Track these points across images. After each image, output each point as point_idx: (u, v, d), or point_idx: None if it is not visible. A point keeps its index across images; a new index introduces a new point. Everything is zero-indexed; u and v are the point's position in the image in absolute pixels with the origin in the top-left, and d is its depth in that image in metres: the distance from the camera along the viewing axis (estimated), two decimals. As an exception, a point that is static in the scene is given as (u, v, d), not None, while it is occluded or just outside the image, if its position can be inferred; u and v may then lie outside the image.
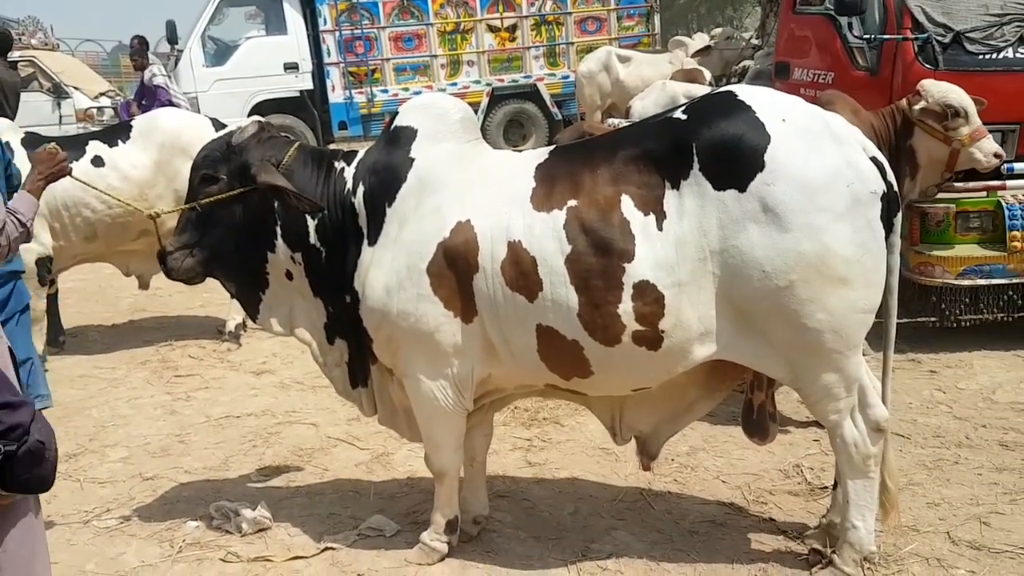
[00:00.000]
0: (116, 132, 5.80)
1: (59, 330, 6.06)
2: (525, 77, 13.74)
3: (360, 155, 3.24)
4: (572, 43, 13.86)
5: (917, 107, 4.30)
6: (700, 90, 8.79)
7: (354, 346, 3.29)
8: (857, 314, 2.74)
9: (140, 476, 4.11)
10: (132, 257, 5.86)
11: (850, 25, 5.67)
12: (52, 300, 5.87)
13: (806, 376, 2.82)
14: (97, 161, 5.45)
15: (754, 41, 12.83)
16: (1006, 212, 4.95)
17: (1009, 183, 5.04)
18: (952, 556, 3.12)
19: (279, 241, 3.21)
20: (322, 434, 4.52)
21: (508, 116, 13.62)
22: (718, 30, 13.20)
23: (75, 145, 5.49)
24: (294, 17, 12.81)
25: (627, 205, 2.77)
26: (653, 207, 2.75)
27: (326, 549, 3.37)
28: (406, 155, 3.07)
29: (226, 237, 3.23)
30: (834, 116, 2.89)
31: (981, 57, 5.13)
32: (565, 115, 13.78)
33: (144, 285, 6.13)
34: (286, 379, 5.35)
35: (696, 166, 2.72)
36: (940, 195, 4.98)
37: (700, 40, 12.94)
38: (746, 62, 11.74)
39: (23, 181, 2.92)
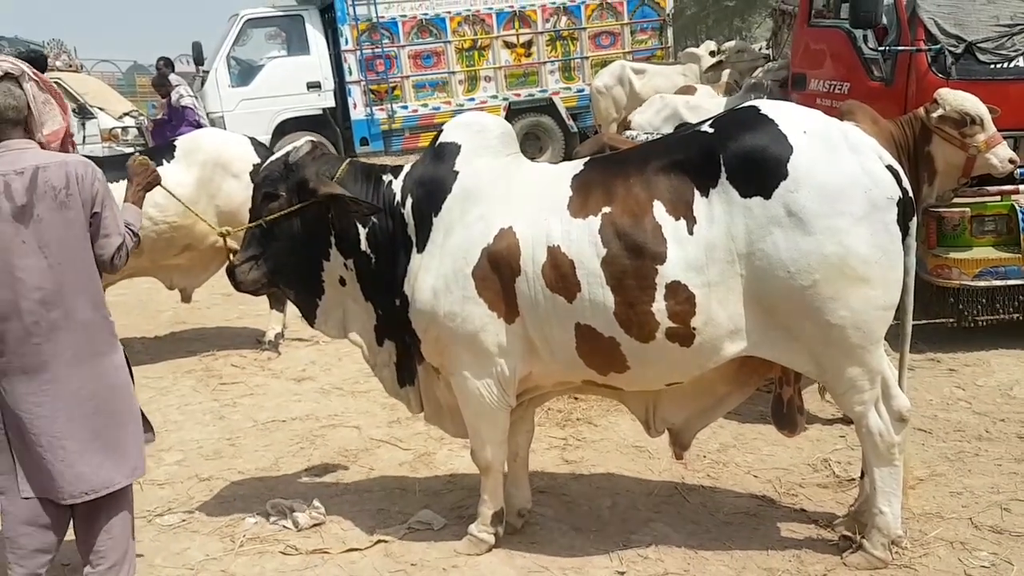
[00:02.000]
0: (161, 151, 6.03)
1: (106, 342, 6.26)
2: (541, 91, 13.94)
3: (407, 169, 3.46)
4: (587, 57, 14.06)
5: (935, 115, 4.48)
6: (700, 101, 9.01)
7: (402, 347, 3.51)
8: (877, 311, 2.94)
9: (197, 477, 4.32)
10: (175, 271, 6.09)
11: (865, 37, 5.86)
12: (100, 313, 6.09)
13: (832, 370, 3.01)
14: (144, 179, 5.66)
15: (765, 52, 13.00)
16: (1020, 215, 5.12)
17: (1022, 187, 5.21)
18: (975, 540, 3.29)
19: (333, 250, 3.44)
20: (365, 436, 4.71)
21: (525, 129, 13.80)
22: (730, 43, 13.32)
23: (122, 164, 5.70)
24: (316, 37, 13.07)
25: (659, 211, 2.99)
26: (684, 213, 2.96)
27: (379, 542, 3.56)
28: (450, 169, 3.29)
29: (286, 249, 3.46)
30: (851, 127, 3.09)
31: (993, 67, 5.31)
32: (580, 128, 13.94)
33: (186, 298, 6.36)
34: (326, 385, 5.55)
35: (724, 175, 2.93)
36: (956, 199, 5.15)
37: (705, 48, 13.11)
38: (758, 72, 11.89)
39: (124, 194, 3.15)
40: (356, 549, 3.52)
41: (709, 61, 12.32)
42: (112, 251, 2.84)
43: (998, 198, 5.21)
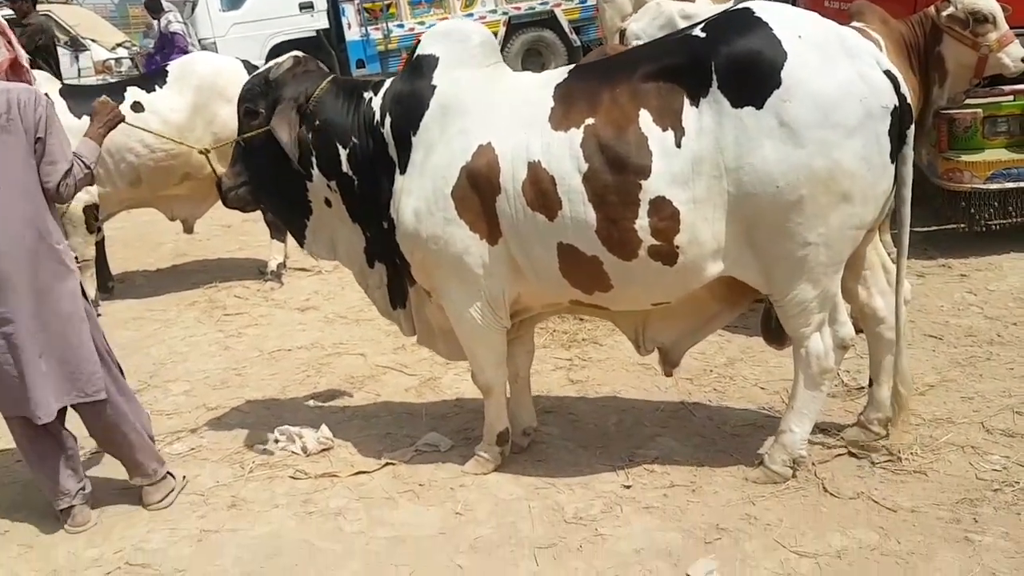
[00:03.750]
0: (153, 78, 5.88)
1: (108, 276, 6.24)
2: (542, 4, 13.55)
3: (387, 84, 3.33)
4: (589, -35, 13.63)
5: (945, 14, 4.31)
6: (696, 10, 8.71)
7: (392, 269, 3.45)
8: (851, 230, 2.84)
9: (204, 407, 4.33)
10: (175, 201, 6.00)
11: (874, -68, 5.59)
12: (99, 247, 6.04)
13: (789, 290, 2.92)
14: (137, 107, 5.54)
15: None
16: (1034, 115, 4.96)
17: (1037, 86, 5.04)
18: (986, 444, 3.27)
19: (315, 170, 3.36)
20: (371, 363, 4.70)
21: (526, 45, 13.51)
22: (735, -55, 12.89)
23: (114, 92, 5.57)
24: (306, -45, 12.72)
25: (645, 121, 2.84)
26: (672, 123, 2.82)
27: (387, 464, 3.57)
28: (428, 83, 3.15)
29: (268, 167, 3.39)
30: (848, 31, 2.93)
31: (1008, -40, 5.07)
32: (584, 41, 13.62)
33: (188, 229, 6.29)
34: (330, 314, 5.52)
35: (715, 83, 2.78)
36: (967, 100, 4.99)
37: None
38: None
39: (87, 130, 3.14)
40: (364, 472, 3.54)
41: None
42: (59, 178, 2.86)
43: (1011, 98, 5.04)
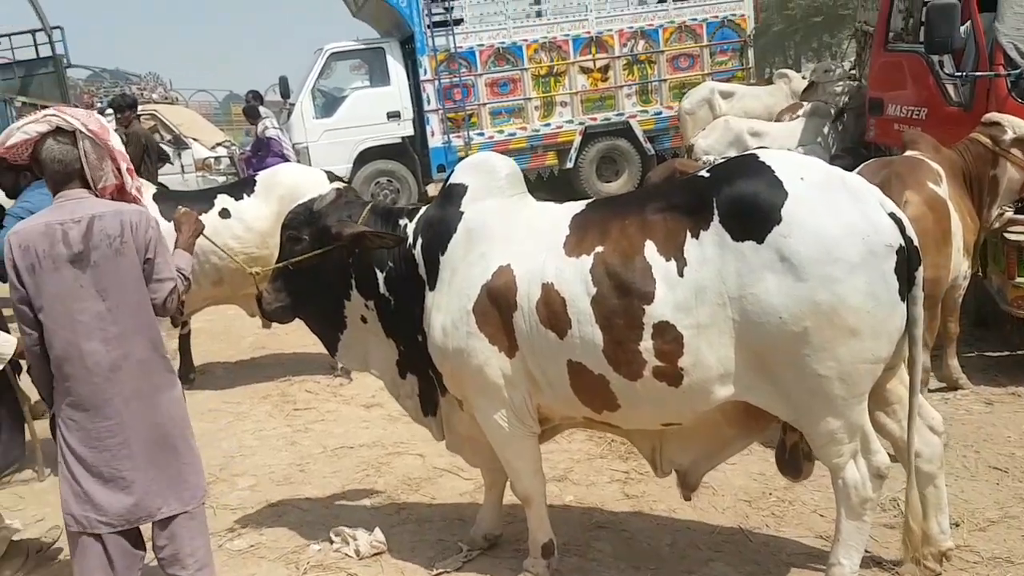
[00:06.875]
0: (241, 187, 6.33)
1: (190, 368, 6.59)
2: (618, 115, 13.90)
3: (421, 211, 3.60)
4: (665, 80, 13.97)
5: (1007, 138, 4.42)
6: (766, 128, 8.80)
7: (424, 379, 3.65)
8: (864, 364, 2.86)
9: (266, 503, 4.47)
10: (254, 300, 6.31)
11: (941, 62, 5.71)
12: (185, 340, 6.46)
13: (812, 420, 2.94)
14: (224, 213, 5.97)
15: (851, 72, 12.68)
16: (1103, 242, 4.89)
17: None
18: (1047, 589, 3.15)
19: (354, 291, 3.62)
20: (428, 464, 4.79)
21: (601, 153, 13.80)
22: (817, 65, 13.02)
23: (205, 199, 6.04)
24: (396, 69, 13.36)
25: (650, 251, 3.00)
26: (674, 254, 2.96)
27: (437, 573, 3.61)
28: (456, 210, 3.42)
29: (309, 287, 3.67)
30: (852, 176, 3.04)
31: (1076, 89, 5.12)
32: (658, 150, 13.86)
33: (267, 324, 6.59)
34: (394, 412, 5.60)
35: (716, 218, 2.91)
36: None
37: (794, 75, 12.87)
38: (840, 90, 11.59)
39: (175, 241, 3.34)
40: (414, 579, 3.59)
41: (801, 82, 12.08)
42: (165, 295, 2.99)
43: (1080, 225, 4.99)
